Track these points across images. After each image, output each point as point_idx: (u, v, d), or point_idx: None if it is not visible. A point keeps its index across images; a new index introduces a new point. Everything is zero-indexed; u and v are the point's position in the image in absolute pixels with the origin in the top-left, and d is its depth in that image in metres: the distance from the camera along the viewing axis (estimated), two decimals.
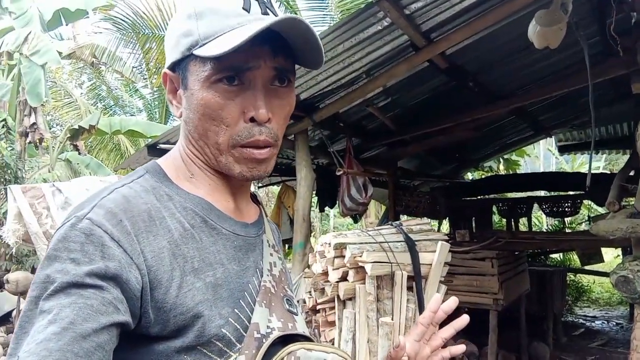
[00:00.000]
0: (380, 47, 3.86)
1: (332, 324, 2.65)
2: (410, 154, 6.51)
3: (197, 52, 0.76)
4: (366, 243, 2.54)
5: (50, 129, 13.06)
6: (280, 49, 0.78)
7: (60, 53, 8.79)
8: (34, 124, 8.58)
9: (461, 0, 3.44)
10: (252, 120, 0.78)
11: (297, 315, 0.90)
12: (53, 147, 10.85)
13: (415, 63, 4.01)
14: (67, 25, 10.64)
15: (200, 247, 0.77)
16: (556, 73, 4.92)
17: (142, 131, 10.52)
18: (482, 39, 4.00)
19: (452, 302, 1.02)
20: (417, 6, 3.41)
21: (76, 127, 9.54)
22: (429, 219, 8.43)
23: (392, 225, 2.81)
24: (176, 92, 0.85)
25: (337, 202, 5.41)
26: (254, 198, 1.00)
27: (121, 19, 9.70)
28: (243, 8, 0.77)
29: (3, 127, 8.50)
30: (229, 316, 0.75)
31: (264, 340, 0.76)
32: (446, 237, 2.81)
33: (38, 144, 9.10)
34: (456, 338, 5.62)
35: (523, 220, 8.53)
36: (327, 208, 6.69)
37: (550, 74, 5.04)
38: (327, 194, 6.10)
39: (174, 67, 0.83)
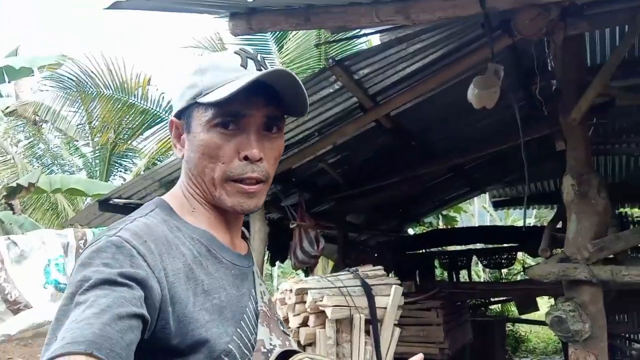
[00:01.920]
0: (331, 108, 4.15)
1: None
2: (357, 209, 6.76)
3: (200, 100, 0.91)
4: (326, 288, 2.68)
5: None
6: (272, 100, 0.92)
7: (3, 111, 8.59)
8: None
9: (405, 67, 3.83)
10: (246, 158, 0.91)
11: (289, 336, 1.03)
12: None
13: (363, 123, 4.33)
14: (9, 82, 10.45)
15: (207, 273, 0.87)
16: (490, 134, 5.39)
17: (84, 189, 10.21)
18: (424, 102, 4.39)
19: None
20: (365, 72, 3.75)
21: (14, 185, 9.19)
22: None
23: (349, 271, 2.97)
24: (180, 137, 0.98)
25: (289, 255, 5.51)
26: (243, 234, 1.11)
27: (68, 77, 9.67)
28: (241, 65, 0.92)
29: None
30: (233, 334, 0.85)
31: (269, 355, 0.88)
32: (399, 282, 2.99)
33: None
34: None
35: (463, 273, 8.89)
36: (269, 267, 6.74)
37: (485, 135, 5.50)
38: (278, 248, 6.18)
39: (179, 115, 0.97)
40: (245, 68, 0.92)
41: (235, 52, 0.94)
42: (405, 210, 8.34)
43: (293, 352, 0.93)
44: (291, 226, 4.74)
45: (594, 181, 3.26)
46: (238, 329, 0.87)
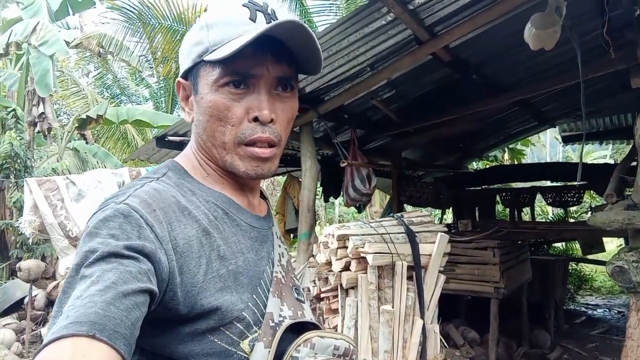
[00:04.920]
0: (384, 42, 3.92)
1: (336, 311, 2.76)
2: (414, 144, 6.57)
3: (206, 57, 0.84)
4: (368, 234, 2.64)
5: (57, 118, 13.17)
6: (283, 56, 0.86)
7: (67, 43, 8.87)
8: (43, 113, 8.67)
9: None
10: (256, 120, 0.86)
11: (304, 303, 0.99)
12: (61, 136, 10.96)
13: (418, 56, 4.07)
14: (74, 15, 10.70)
15: (224, 237, 0.85)
16: (558, 66, 4.96)
17: (149, 121, 10.59)
18: (485, 33, 4.04)
19: None
20: (421, 1, 3.46)
21: (84, 116, 9.64)
22: (433, 209, 8.52)
23: (393, 217, 2.90)
24: (188, 99, 0.93)
25: (342, 192, 5.49)
26: (262, 194, 1.08)
27: (127, 9, 9.75)
28: (249, 18, 0.85)
29: (12, 117, 8.61)
30: (248, 301, 0.83)
31: (277, 328, 0.84)
32: (446, 229, 2.90)
33: (46, 133, 9.20)
34: (458, 325, 5.73)
35: (527, 210, 8.59)
36: (331, 198, 6.78)
37: (552, 67, 5.07)
38: (331, 185, 6.19)
39: (186, 75, 0.91)
40: (254, 22, 0.85)
41: (243, 5, 0.87)
42: (466, 145, 8.03)
43: (303, 324, 0.90)
44: (341, 164, 4.68)
45: None
46: (254, 295, 0.85)
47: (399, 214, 2.91)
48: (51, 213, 3.32)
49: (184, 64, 0.91)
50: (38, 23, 8.40)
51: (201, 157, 0.93)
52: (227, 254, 0.83)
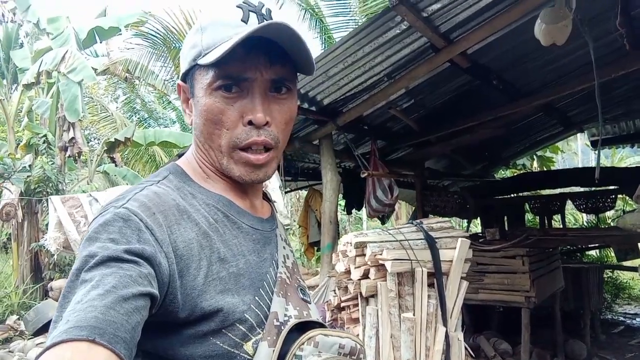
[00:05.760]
0: (400, 50, 3.93)
1: (356, 320, 2.72)
2: (436, 154, 6.51)
3: (199, 61, 0.84)
4: (386, 241, 2.61)
5: (88, 142, 13.54)
6: (278, 58, 0.84)
7: (95, 70, 9.15)
8: (73, 138, 8.93)
9: (478, 0, 3.48)
10: (251, 123, 0.85)
11: (310, 303, 0.98)
12: (91, 160, 11.26)
13: (436, 64, 4.05)
14: (101, 42, 11.06)
15: (224, 240, 0.84)
16: (581, 67, 4.87)
17: (175, 142, 10.80)
18: (504, 37, 4.01)
19: None
20: (434, 8, 3.46)
21: (112, 140, 9.89)
22: (459, 219, 8.39)
23: (412, 223, 2.86)
24: (188, 101, 0.93)
25: (364, 203, 5.46)
26: (265, 196, 1.07)
27: (152, 34, 10.01)
28: (242, 20, 0.83)
29: (44, 142, 8.89)
30: (250, 303, 0.82)
31: (282, 327, 0.83)
32: (467, 234, 2.84)
33: (77, 157, 9.46)
34: (489, 337, 5.59)
35: (557, 218, 8.37)
36: (358, 211, 6.75)
37: (575, 69, 4.98)
38: (354, 196, 6.16)
39: (185, 78, 0.92)
40: (246, 23, 0.83)
41: (237, 6, 0.85)
42: (491, 154, 7.91)
43: (309, 324, 0.89)
44: (362, 175, 4.66)
45: None
46: (256, 297, 0.84)
47: (417, 220, 2.87)
48: (75, 229, 3.40)
49: (182, 66, 0.91)
50: (67, 52, 8.70)
51: (201, 159, 0.93)
52: (228, 256, 0.83)
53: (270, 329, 0.82)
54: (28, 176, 8.36)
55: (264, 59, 0.83)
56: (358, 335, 2.66)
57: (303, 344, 0.82)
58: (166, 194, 0.83)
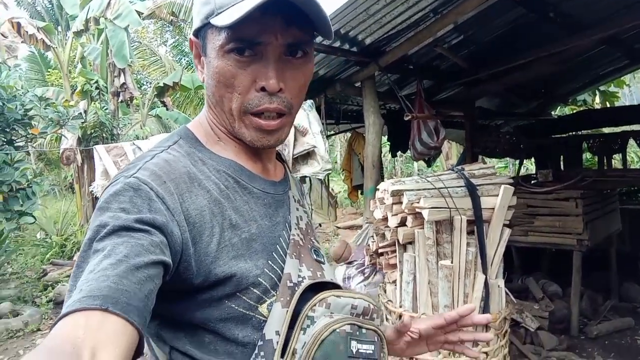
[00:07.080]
0: None
1: (394, 266, 2.71)
2: (488, 93, 6.21)
3: (212, 20, 0.79)
4: (424, 189, 2.54)
5: (140, 87, 13.83)
6: (294, 18, 0.78)
7: (140, 14, 9.15)
8: (124, 84, 9.12)
9: None
10: (263, 89, 0.81)
11: (324, 264, 0.97)
12: (144, 104, 11.52)
13: None
14: None
15: (235, 206, 0.84)
16: None
17: None
18: None
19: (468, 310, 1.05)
20: None
21: (161, 84, 10.03)
22: (512, 159, 8.10)
23: (453, 170, 2.77)
24: (200, 57, 0.89)
25: (409, 146, 5.34)
26: (279, 157, 1.05)
27: None
28: None
29: (96, 88, 9.12)
30: (264, 267, 0.82)
31: (296, 288, 0.83)
32: (511, 180, 2.72)
33: (129, 102, 9.69)
34: (539, 279, 5.50)
35: (618, 157, 7.93)
36: (402, 153, 6.62)
37: None
38: (399, 139, 6.03)
39: (197, 33, 0.88)
40: None
41: None
42: (548, 91, 7.47)
43: (324, 284, 0.89)
44: (405, 118, 4.52)
45: None
46: (269, 261, 0.85)
47: (458, 167, 2.77)
48: None
49: (195, 22, 0.87)
50: None
51: (213, 121, 0.91)
52: (239, 222, 0.83)
53: (284, 290, 0.83)
54: (83, 122, 8.66)
55: (280, 20, 0.78)
56: (396, 281, 2.67)
57: (315, 305, 0.82)
58: (176, 160, 0.82)
